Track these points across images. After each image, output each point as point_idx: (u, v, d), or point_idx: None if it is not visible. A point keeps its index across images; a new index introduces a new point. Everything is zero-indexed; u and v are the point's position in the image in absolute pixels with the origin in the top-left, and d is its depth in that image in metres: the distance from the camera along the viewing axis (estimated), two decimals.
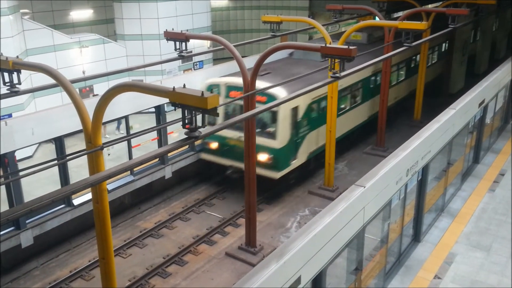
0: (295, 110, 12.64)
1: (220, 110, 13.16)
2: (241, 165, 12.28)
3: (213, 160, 13.71)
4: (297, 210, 12.89)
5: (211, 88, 13.42)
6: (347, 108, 15.41)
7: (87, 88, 22.48)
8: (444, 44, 22.63)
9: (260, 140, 12.06)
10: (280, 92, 12.10)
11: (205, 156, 13.91)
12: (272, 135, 12.43)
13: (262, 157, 12.46)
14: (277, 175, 12.60)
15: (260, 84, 11.83)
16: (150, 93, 6.15)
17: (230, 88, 13.10)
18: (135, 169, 12.65)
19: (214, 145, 13.50)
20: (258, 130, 12.26)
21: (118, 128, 21.07)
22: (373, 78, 16.54)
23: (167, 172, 13.55)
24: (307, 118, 13.23)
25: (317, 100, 13.57)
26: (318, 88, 8.47)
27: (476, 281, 10.19)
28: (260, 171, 12.12)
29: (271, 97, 11.76)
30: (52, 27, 22.26)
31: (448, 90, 21.87)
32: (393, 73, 17.63)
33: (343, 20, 18.62)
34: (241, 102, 12.28)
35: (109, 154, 18.04)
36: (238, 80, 12.47)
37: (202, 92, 5.42)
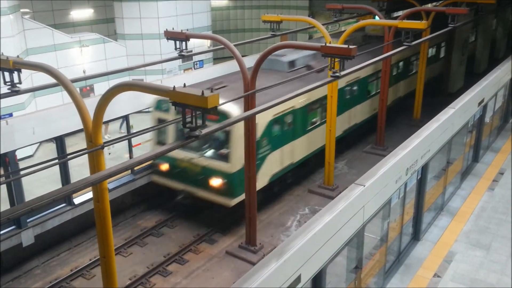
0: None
1: (170, 129, 11.90)
2: (192, 189, 11.57)
3: (164, 183, 12.26)
4: (297, 209, 12.91)
5: (160, 104, 11.99)
6: (317, 124, 13.99)
7: (87, 87, 22.51)
8: (430, 50, 20.74)
9: (211, 163, 11.24)
10: (233, 110, 10.76)
11: (156, 178, 12.47)
12: (225, 158, 11.05)
13: (214, 182, 11.23)
14: (230, 202, 11.21)
15: None
16: (150, 93, 6.18)
17: None
18: (135, 168, 12.68)
19: (164, 166, 12.12)
20: (208, 152, 11.45)
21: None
22: (348, 88, 15.14)
23: None
24: (268, 137, 11.86)
25: (281, 116, 12.20)
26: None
27: (475, 279, 10.22)
28: (212, 197, 11.35)
29: (223, 115, 10.44)
30: (52, 26, 22.27)
31: (447, 89, 21.89)
32: (371, 83, 16.57)
33: (343, 20, 18.65)
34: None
35: (109, 153, 18.08)
36: None
37: (202, 91, 5.45)
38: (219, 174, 11.13)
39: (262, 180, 11.93)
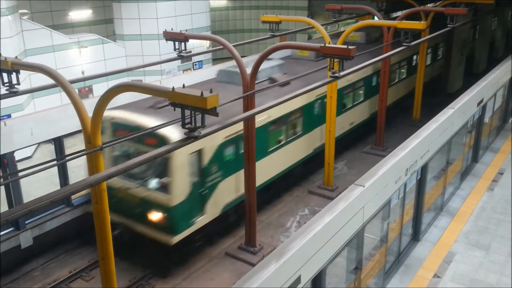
0: (198, 154, 9.88)
1: (106, 154, 10.15)
2: (130, 223, 10.15)
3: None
4: (297, 209, 12.89)
5: None
6: (282, 143, 12.54)
7: (86, 88, 22.48)
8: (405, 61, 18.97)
9: (150, 194, 9.77)
10: (172, 133, 9.33)
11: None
12: (164, 189, 9.59)
13: (153, 216, 9.76)
14: (172, 239, 9.69)
15: (148, 121, 9.53)
16: (149, 93, 6.17)
17: (117, 125, 10.14)
18: None
19: None
20: (147, 181, 9.96)
21: None
22: (318, 102, 13.63)
23: None
24: (218, 163, 10.43)
25: (234, 138, 10.75)
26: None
27: (475, 280, 10.21)
28: (150, 233, 9.85)
29: (162, 140, 9.22)
30: (51, 27, 22.25)
31: (446, 89, 21.92)
32: (346, 95, 15.12)
33: (342, 20, 18.64)
34: (136, 146, 9.94)
35: None
36: (127, 116, 10.05)
37: (202, 91, 5.43)
38: (158, 207, 9.72)
39: (212, 211, 10.54)
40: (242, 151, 10.78)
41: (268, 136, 11.91)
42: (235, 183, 11.11)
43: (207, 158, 10.12)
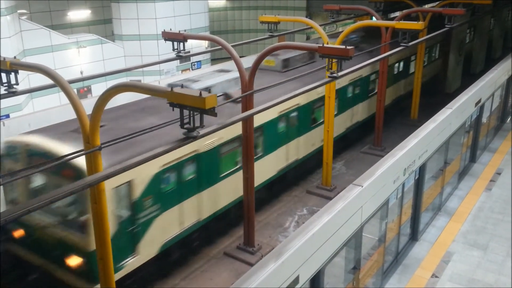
0: (127, 187, 8.48)
1: (21, 186, 9.03)
2: (49, 267, 8.76)
3: (18, 253, 9.27)
4: (295, 209, 12.92)
5: (8, 150, 9.13)
6: (238, 167, 11.05)
7: (85, 89, 22.47)
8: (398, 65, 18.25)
9: (65, 235, 8.35)
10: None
11: (9, 247, 9.46)
12: (81, 229, 8.11)
13: (71, 260, 8.31)
14: None
15: (68, 148, 7.97)
16: (148, 94, 6.19)
17: (32, 153, 8.73)
18: None
19: (18, 233, 9.17)
20: (63, 218, 8.59)
21: None
22: (283, 118, 12.51)
23: None
24: (154, 195, 9.04)
25: (174, 166, 9.36)
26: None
27: (473, 279, 10.24)
28: (69, 279, 8.41)
29: (77, 172, 7.87)
30: (49, 27, 22.23)
31: (444, 89, 22.00)
32: (317, 108, 13.82)
33: (340, 20, 18.68)
34: (53, 178, 8.63)
35: None
36: (44, 142, 8.64)
37: (200, 92, 5.45)
38: (75, 250, 8.27)
39: (147, 250, 9.14)
40: (188, 178, 9.81)
41: (219, 160, 10.59)
42: (178, 216, 9.72)
43: (138, 190, 8.70)
